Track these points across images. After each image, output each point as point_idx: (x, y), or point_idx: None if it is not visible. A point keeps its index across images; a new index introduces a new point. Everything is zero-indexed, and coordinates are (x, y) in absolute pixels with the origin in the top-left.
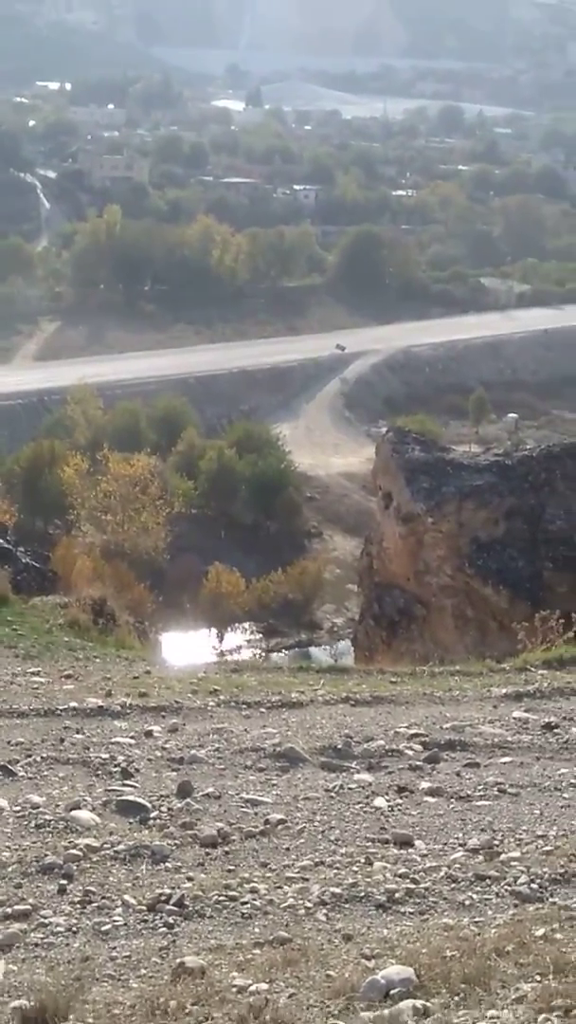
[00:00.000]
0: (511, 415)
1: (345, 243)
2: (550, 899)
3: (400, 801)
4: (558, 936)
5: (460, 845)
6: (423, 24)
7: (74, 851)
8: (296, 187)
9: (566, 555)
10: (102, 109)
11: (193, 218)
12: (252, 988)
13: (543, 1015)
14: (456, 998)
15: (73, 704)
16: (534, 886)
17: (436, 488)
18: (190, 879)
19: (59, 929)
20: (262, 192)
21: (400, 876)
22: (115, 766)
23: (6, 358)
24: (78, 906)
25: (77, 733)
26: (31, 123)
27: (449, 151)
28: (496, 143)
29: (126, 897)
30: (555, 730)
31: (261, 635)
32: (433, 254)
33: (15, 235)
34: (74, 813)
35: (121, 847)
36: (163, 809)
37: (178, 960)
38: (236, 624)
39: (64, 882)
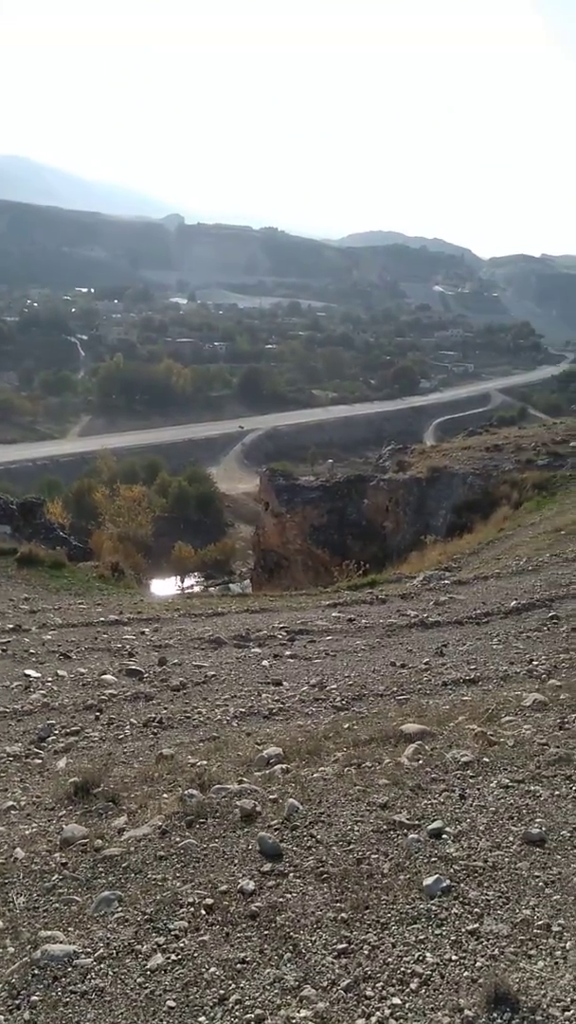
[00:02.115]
0: (329, 461)
1: (242, 373)
2: (352, 708)
3: (275, 661)
4: (355, 727)
5: (306, 683)
6: (279, 260)
7: (103, 696)
8: (215, 343)
9: (356, 531)
10: (111, 303)
11: (161, 360)
12: (199, 763)
13: (347, 768)
14: (303, 762)
15: (102, 618)
16: (343, 702)
17: (291, 499)
18: (166, 708)
19: (95, 739)
20: (197, 347)
21: (275, 701)
22: (125, 650)
23: (63, 435)
24: (106, 726)
25: (104, 634)
26: (73, 310)
27: (293, 325)
28: (317, 321)
29: (132, 720)
30: (353, 622)
31: (203, 578)
32: (287, 378)
33: (66, 370)
34: (103, 676)
35: (129, 693)
36: (151, 672)
37: (159, 751)
38: (190, 573)
39: (98, 713)
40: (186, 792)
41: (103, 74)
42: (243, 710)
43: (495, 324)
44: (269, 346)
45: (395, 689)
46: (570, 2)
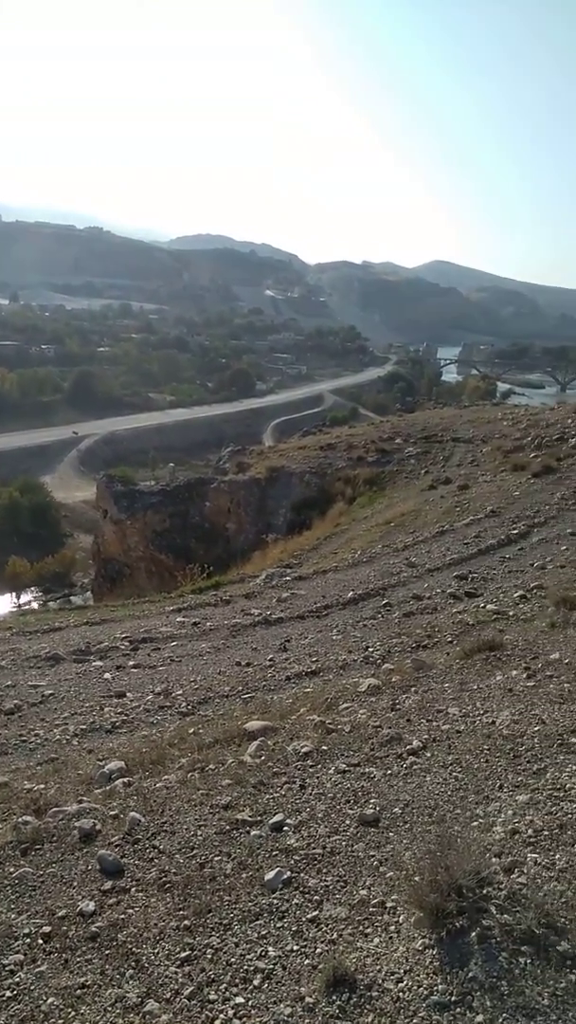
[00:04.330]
0: (171, 464)
1: (73, 377)
2: (198, 712)
3: (118, 673)
4: (201, 731)
5: (151, 692)
6: (107, 261)
7: None
8: (43, 347)
9: (200, 534)
10: None
11: None
12: (35, 788)
13: (190, 773)
14: (147, 773)
15: None
16: (189, 707)
17: (131, 505)
18: None
19: None
20: (23, 350)
21: (118, 714)
22: None
23: None
24: None
25: None
26: None
27: (125, 327)
28: (150, 323)
29: None
30: (198, 625)
31: (42, 593)
32: (122, 381)
33: None
34: None
35: None
36: None
37: None
38: (27, 589)
39: None
40: (20, 820)
41: None
42: (84, 727)
43: (324, 327)
44: (101, 349)
45: (241, 688)
46: (333, 25)
